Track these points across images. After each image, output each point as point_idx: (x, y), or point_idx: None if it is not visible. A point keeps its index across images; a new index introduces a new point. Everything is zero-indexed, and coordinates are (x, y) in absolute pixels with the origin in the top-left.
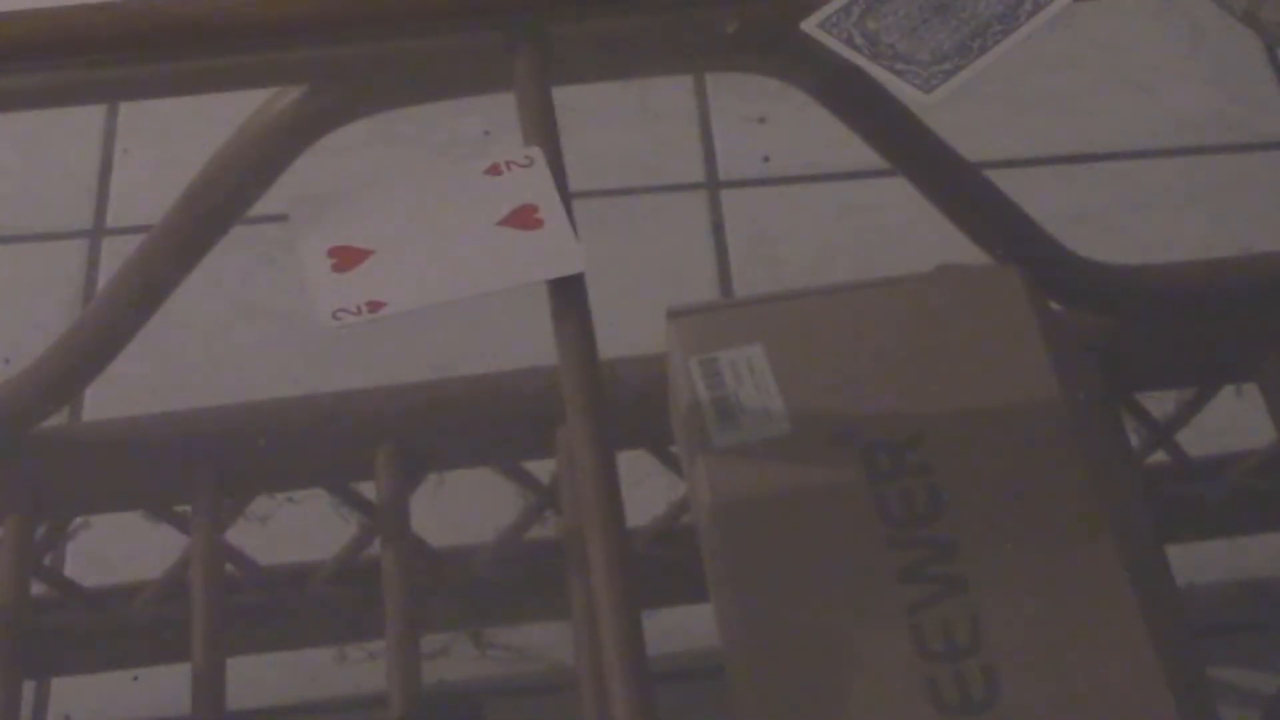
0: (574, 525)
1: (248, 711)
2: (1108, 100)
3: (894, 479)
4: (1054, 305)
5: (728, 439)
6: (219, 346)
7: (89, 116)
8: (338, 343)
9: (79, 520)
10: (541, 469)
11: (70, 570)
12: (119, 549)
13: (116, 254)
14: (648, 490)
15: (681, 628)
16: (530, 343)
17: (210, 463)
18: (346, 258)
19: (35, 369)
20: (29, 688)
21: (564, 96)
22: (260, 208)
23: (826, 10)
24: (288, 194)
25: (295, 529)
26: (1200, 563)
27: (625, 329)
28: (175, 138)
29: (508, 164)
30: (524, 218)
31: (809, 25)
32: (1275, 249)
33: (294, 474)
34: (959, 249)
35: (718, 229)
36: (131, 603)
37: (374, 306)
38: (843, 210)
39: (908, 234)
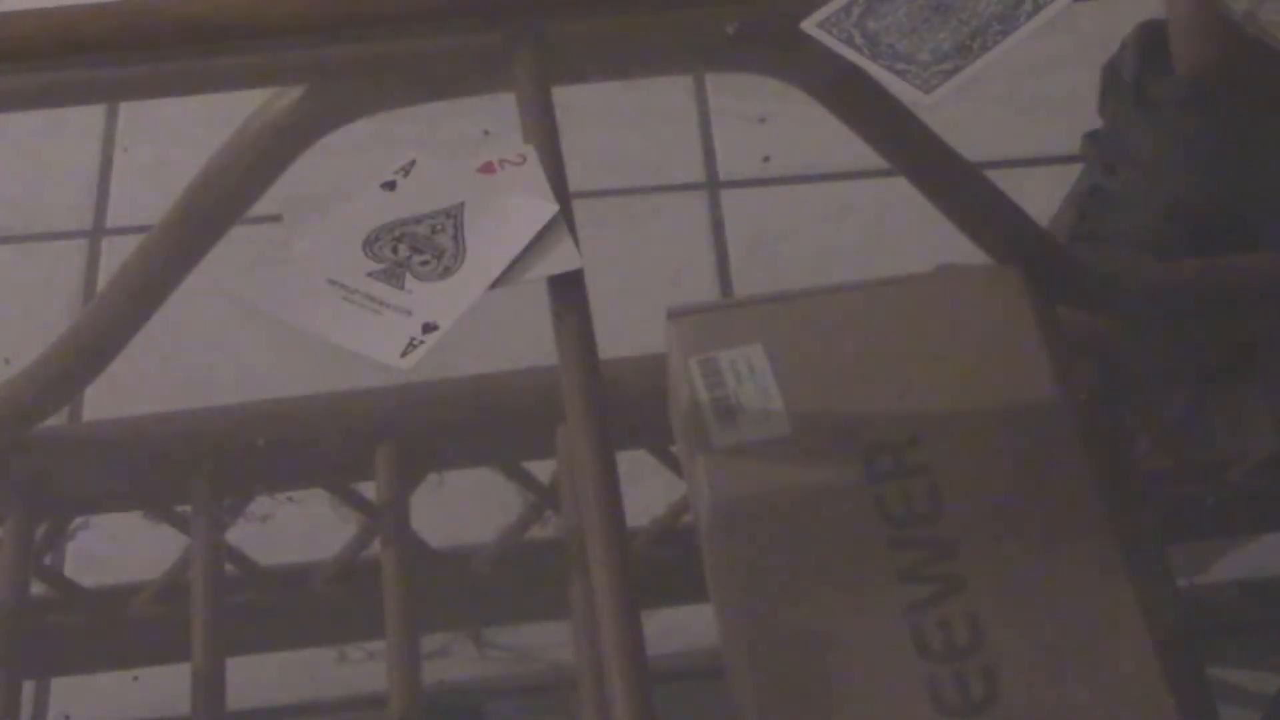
0: (574, 525)
1: (248, 711)
2: None
3: (894, 479)
4: (1054, 305)
5: (728, 439)
6: (219, 346)
7: (89, 116)
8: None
9: (79, 520)
10: (541, 469)
11: (70, 570)
12: (119, 549)
13: (116, 254)
14: (648, 490)
15: (681, 628)
16: (530, 343)
17: (210, 463)
18: None
19: (35, 369)
20: (29, 688)
21: (564, 96)
22: (260, 208)
23: (826, 10)
24: (287, 194)
25: (295, 529)
26: (1200, 563)
27: (625, 329)
28: (175, 138)
29: (501, 162)
30: None
31: (809, 25)
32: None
33: (294, 474)
34: (959, 249)
35: (718, 229)
36: (131, 603)
37: None
38: (843, 210)
39: (908, 234)
